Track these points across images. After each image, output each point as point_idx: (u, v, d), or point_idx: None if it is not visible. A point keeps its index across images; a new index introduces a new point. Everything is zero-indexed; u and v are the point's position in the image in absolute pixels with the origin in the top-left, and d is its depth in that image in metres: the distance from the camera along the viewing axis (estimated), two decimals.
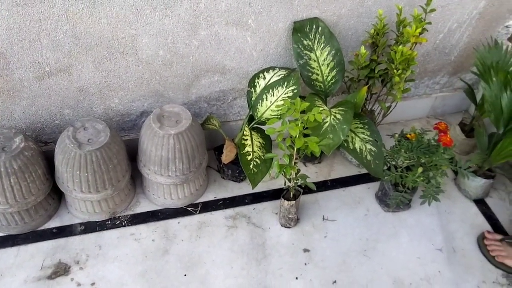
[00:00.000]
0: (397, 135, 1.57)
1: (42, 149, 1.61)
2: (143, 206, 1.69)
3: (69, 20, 1.33)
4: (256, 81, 1.59)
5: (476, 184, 1.72)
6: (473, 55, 1.87)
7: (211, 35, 1.50)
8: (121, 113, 1.65)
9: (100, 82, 1.52)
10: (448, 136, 1.49)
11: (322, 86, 1.60)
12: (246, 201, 1.72)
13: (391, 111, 1.69)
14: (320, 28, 1.56)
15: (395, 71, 1.50)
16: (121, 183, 1.57)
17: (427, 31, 1.56)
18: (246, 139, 1.47)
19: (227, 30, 1.50)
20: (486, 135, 1.71)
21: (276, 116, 1.52)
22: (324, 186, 1.79)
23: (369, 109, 1.78)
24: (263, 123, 1.55)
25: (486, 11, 1.75)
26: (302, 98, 1.60)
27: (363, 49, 1.51)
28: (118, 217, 1.65)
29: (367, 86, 1.60)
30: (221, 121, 1.81)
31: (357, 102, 1.59)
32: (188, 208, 1.69)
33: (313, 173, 1.84)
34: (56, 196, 1.65)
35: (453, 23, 1.75)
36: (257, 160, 1.45)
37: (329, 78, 1.59)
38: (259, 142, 1.52)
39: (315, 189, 1.49)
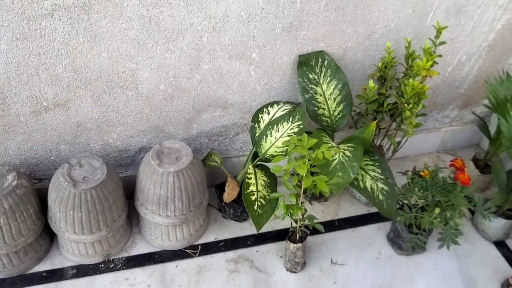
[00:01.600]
0: (409, 173, 1.54)
1: (36, 186, 1.58)
2: (139, 248, 1.63)
3: (69, 54, 1.33)
4: (260, 116, 1.58)
5: (496, 225, 1.67)
6: (483, 88, 1.86)
7: (213, 69, 1.50)
8: (119, 149, 1.63)
9: (98, 117, 1.51)
10: (466, 174, 1.46)
11: (329, 121, 1.59)
12: (249, 242, 1.66)
13: (401, 147, 1.67)
14: (326, 62, 1.56)
15: (405, 105, 1.49)
16: (116, 223, 1.53)
17: (437, 64, 1.56)
18: (250, 178, 1.44)
19: (230, 64, 1.50)
20: (504, 171, 1.68)
21: (281, 153, 1.50)
22: (331, 226, 1.75)
23: (377, 144, 1.76)
24: (268, 160, 1.53)
25: (496, 43, 1.76)
26: (308, 133, 1.58)
27: (371, 83, 1.51)
28: (113, 259, 1.59)
29: (377, 120, 1.58)
30: (223, 157, 1.79)
31: (366, 137, 1.57)
32: (187, 250, 1.63)
33: (320, 212, 1.79)
34: (47, 237, 1.60)
35: (462, 55, 1.76)
36: (261, 200, 1.41)
37: (336, 113, 1.58)
38: (264, 180, 1.49)
39: (323, 231, 1.45)
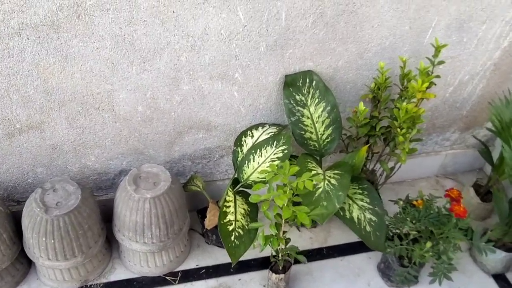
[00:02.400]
0: (401, 202, 1.40)
1: (14, 208, 1.49)
2: (118, 273, 1.53)
3: (40, 74, 1.24)
4: (243, 139, 1.45)
5: (495, 257, 1.51)
6: (487, 110, 1.71)
7: (194, 89, 1.38)
8: (98, 171, 1.53)
9: (74, 139, 1.41)
10: (462, 205, 1.30)
11: (317, 145, 1.45)
12: (232, 270, 1.54)
13: (394, 173, 1.52)
14: (314, 82, 1.43)
15: (398, 130, 1.35)
16: (93, 249, 1.42)
17: (435, 85, 1.42)
18: (229, 206, 1.32)
19: (212, 85, 1.39)
20: (506, 201, 1.52)
21: (263, 180, 1.37)
22: (319, 254, 1.61)
23: (370, 168, 1.62)
24: (250, 187, 1.40)
25: (502, 61, 1.60)
26: (294, 158, 1.46)
27: (362, 106, 1.37)
28: (90, 285, 1.49)
29: (367, 145, 1.44)
30: (207, 180, 1.67)
31: (355, 163, 1.43)
32: (167, 277, 1.52)
33: (307, 239, 1.65)
34: (25, 261, 1.50)
35: (464, 75, 1.61)
36: (239, 230, 1.29)
37: (324, 137, 1.45)
38: (244, 209, 1.36)
39: (305, 262, 1.32)
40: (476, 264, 1.59)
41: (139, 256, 1.47)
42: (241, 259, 1.46)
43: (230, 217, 1.29)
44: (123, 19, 1.18)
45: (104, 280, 1.51)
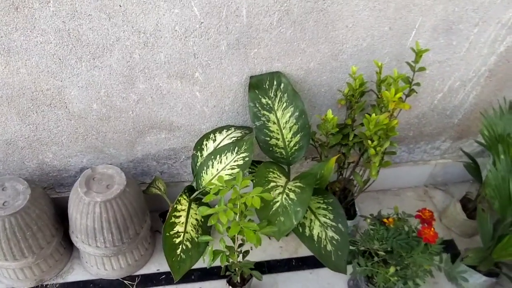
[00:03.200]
0: (369, 220, 1.25)
1: None
2: (76, 274, 1.44)
3: None
4: (204, 143, 1.32)
5: (475, 281, 1.35)
6: (482, 119, 1.51)
7: (151, 88, 1.25)
8: (58, 168, 1.43)
9: (29, 136, 1.31)
10: (432, 229, 1.14)
11: (284, 152, 1.31)
12: (193, 277, 1.43)
13: (369, 185, 1.36)
14: (282, 85, 1.28)
15: (369, 142, 1.19)
16: (45, 250, 1.34)
17: (416, 93, 1.25)
18: (179, 216, 1.19)
19: (170, 84, 1.25)
20: (491, 222, 1.35)
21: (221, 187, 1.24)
22: (287, 265, 1.48)
23: (345, 176, 1.46)
24: (208, 193, 1.27)
25: (498, 68, 1.41)
26: (257, 164, 1.32)
27: (330, 114, 1.22)
28: (46, 285, 1.41)
29: (337, 155, 1.29)
30: (174, 181, 1.56)
31: (324, 174, 1.28)
32: (125, 281, 1.42)
33: (277, 248, 1.53)
34: None
35: (455, 81, 1.42)
36: (187, 243, 1.16)
37: (291, 144, 1.30)
38: (197, 219, 1.24)
39: (261, 279, 1.19)
40: (456, 286, 1.43)
41: (95, 258, 1.38)
42: (203, 265, 1.35)
43: (179, 228, 1.17)
44: (65, 13, 1.06)
45: (60, 281, 1.43)
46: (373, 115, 1.13)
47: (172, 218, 1.17)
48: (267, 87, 1.28)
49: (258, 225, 1.08)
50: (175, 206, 1.19)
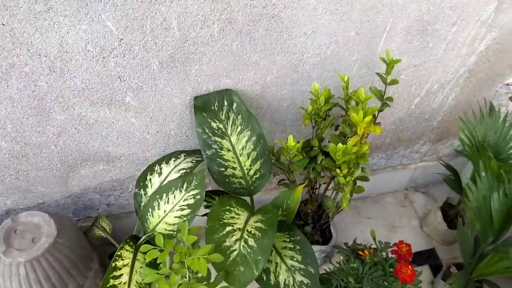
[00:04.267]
0: (342, 257, 1.04)
1: None
2: None
3: None
4: (148, 178, 1.07)
5: None
6: (460, 124, 1.31)
7: (72, 119, 0.99)
8: None
9: None
10: (410, 267, 0.94)
11: (244, 182, 1.07)
12: None
13: (341, 210, 1.15)
14: (234, 105, 1.03)
15: (338, 170, 0.96)
16: None
17: (389, 106, 1.02)
18: (120, 275, 0.95)
19: (96, 112, 0.99)
20: (472, 237, 1.16)
21: (171, 233, 1.01)
22: None
23: (318, 195, 1.24)
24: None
25: (478, 68, 1.19)
26: (211, 199, 1.09)
27: (291, 141, 0.98)
28: None
29: (303, 185, 1.06)
30: (126, 212, 1.32)
31: (290, 206, 1.06)
32: None
33: None
34: None
35: (432, 84, 1.20)
36: None
37: (251, 172, 1.06)
38: None
39: None
40: None
41: None
42: None
43: (118, 282, 0.93)
44: None
45: None
46: (339, 145, 0.90)
47: (110, 280, 0.92)
48: (216, 108, 1.03)
49: (211, 284, 0.86)
50: (113, 264, 0.95)
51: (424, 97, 1.23)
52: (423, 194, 1.56)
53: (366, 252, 1.04)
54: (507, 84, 1.31)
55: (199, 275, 0.90)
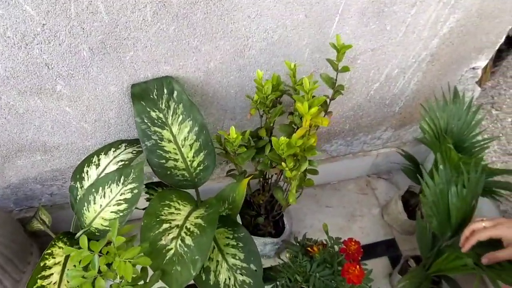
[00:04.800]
0: (288, 254, 1.04)
1: None
2: None
3: None
4: (85, 170, 1.04)
5: None
6: (422, 112, 1.29)
7: (1, 108, 0.95)
8: None
9: None
10: (358, 267, 0.95)
11: (187, 175, 1.06)
12: None
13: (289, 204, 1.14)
14: (175, 93, 1.00)
15: (283, 164, 0.95)
16: None
17: (342, 94, 1.00)
18: (49, 275, 0.94)
19: (26, 101, 0.95)
20: (430, 231, 1.17)
21: (108, 228, 0.99)
22: None
23: (270, 185, 1.23)
24: (94, 235, 1.02)
25: (441, 51, 1.16)
26: (158, 188, 1.07)
27: (233, 132, 0.95)
28: None
29: (250, 177, 1.05)
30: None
31: (236, 199, 1.05)
32: None
33: None
34: None
35: (392, 69, 1.17)
36: None
37: (195, 164, 1.05)
38: None
39: None
40: None
41: None
42: None
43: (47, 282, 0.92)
44: None
45: None
46: (281, 138, 0.88)
47: (38, 281, 0.91)
48: (155, 97, 0.99)
49: (146, 284, 0.86)
50: (42, 263, 0.93)
51: (384, 82, 1.21)
52: (386, 181, 1.57)
53: (315, 248, 1.04)
54: (473, 68, 1.29)
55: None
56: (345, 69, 0.95)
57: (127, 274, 0.79)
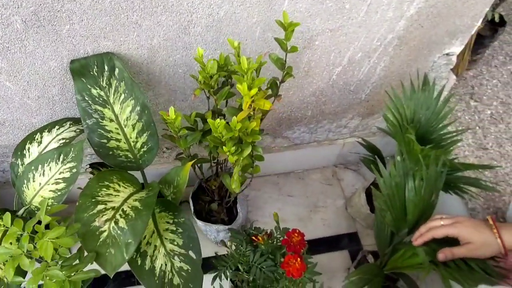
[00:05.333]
0: (229, 242, 1.03)
1: None
2: None
3: None
4: (27, 147, 1.03)
5: None
6: (386, 101, 1.26)
7: None
8: None
9: None
10: (298, 260, 0.93)
11: (131, 156, 1.04)
12: None
13: (243, 190, 1.13)
14: (116, 70, 0.98)
15: (224, 148, 0.93)
16: None
17: (293, 77, 0.97)
18: None
19: None
20: (388, 227, 1.15)
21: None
22: None
23: (223, 169, 1.22)
24: (34, 213, 1.02)
25: (409, 34, 1.12)
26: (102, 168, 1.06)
27: (172, 113, 0.93)
28: None
29: (193, 161, 1.03)
30: None
31: (179, 184, 1.04)
32: None
33: None
34: None
35: (355, 52, 1.14)
36: None
37: (138, 145, 1.03)
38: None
39: None
40: None
41: None
42: None
43: None
44: None
45: None
46: (217, 120, 0.86)
47: None
48: (96, 73, 0.97)
49: (70, 269, 0.85)
50: None
51: (347, 67, 1.17)
52: (354, 172, 1.54)
53: (259, 237, 1.02)
54: (446, 54, 1.24)
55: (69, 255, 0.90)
56: (294, 49, 0.91)
57: (47, 254, 0.78)
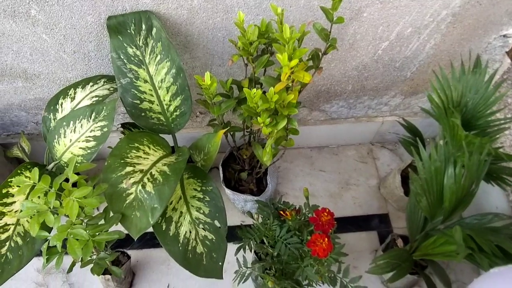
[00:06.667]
0: (256, 215, 1.03)
1: None
2: None
3: None
4: (60, 102, 1.05)
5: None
6: (432, 81, 1.20)
7: None
8: None
9: None
10: (326, 240, 0.92)
11: (163, 119, 1.05)
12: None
13: (276, 161, 1.12)
14: (154, 30, 0.96)
15: (259, 119, 0.92)
16: None
17: (336, 49, 0.93)
18: (11, 203, 0.98)
19: (1, 24, 0.94)
20: (422, 212, 1.12)
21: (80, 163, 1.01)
22: None
23: (256, 139, 1.21)
24: (63, 168, 1.04)
25: (465, 12, 1.05)
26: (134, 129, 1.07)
27: (208, 78, 0.92)
28: None
29: (225, 130, 1.03)
30: None
31: (210, 151, 1.04)
32: None
33: None
34: None
35: (405, 27, 1.08)
36: (18, 239, 0.96)
37: (171, 108, 1.03)
38: None
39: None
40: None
41: None
42: None
43: (7, 219, 0.96)
44: None
45: None
46: (254, 90, 0.84)
47: (3, 197, 0.95)
48: (133, 32, 0.96)
49: (95, 229, 0.88)
50: (4, 190, 0.97)
51: (394, 42, 1.12)
52: (390, 152, 1.49)
53: (288, 213, 1.02)
54: (504, 36, 1.17)
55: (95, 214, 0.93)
56: (340, 20, 0.87)
57: (72, 213, 0.81)
